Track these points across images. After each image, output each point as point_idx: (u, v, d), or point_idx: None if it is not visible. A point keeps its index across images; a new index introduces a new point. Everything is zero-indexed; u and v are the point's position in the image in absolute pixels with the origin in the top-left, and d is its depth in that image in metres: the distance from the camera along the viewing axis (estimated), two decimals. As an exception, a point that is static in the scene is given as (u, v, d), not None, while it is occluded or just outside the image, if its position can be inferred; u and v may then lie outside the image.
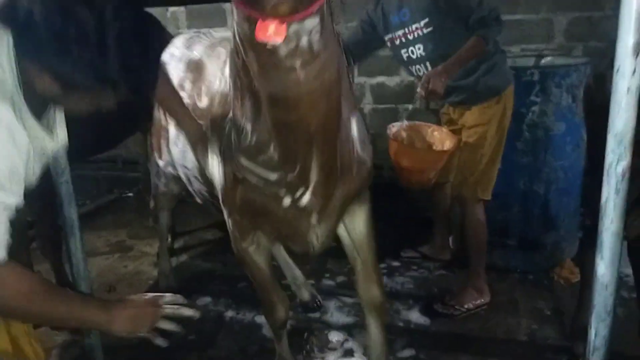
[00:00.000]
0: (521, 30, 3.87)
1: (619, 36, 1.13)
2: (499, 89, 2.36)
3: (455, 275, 2.87)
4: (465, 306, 2.50)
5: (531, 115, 2.65)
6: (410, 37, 2.32)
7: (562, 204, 2.78)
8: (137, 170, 4.13)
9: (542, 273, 2.81)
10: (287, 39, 1.15)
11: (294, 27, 1.16)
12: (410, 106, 4.09)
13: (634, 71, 1.11)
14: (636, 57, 1.11)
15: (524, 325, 2.39)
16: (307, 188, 1.48)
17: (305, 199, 1.50)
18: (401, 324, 2.47)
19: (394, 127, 2.35)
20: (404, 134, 2.37)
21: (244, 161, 1.51)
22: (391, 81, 4.21)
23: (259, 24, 1.12)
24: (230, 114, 1.54)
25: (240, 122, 1.48)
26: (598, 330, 1.27)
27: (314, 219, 1.57)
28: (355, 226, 1.79)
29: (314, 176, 1.45)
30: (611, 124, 1.17)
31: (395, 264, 3.00)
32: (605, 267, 1.25)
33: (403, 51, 2.39)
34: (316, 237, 1.63)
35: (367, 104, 4.28)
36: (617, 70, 1.13)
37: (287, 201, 1.52)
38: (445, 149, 2.32)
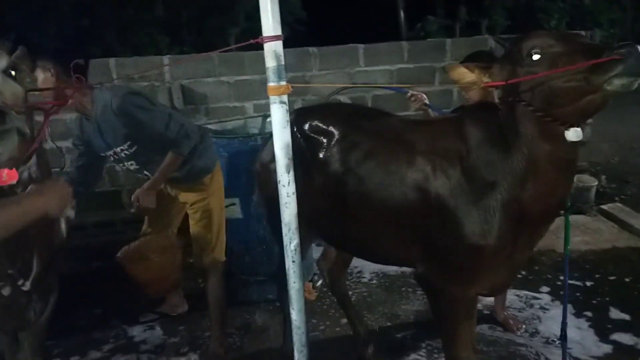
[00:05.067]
0: (250, 88, 4.54)
1: (277, 157, 1.63)
2: (209, 168, 2.69)
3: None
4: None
5: (260, 173, 3.18)
6: (120, 156, 2.55)
7: (295, 240, 3.39)
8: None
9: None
10: None
11: (21, 167, 1.58)
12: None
13: (289, 182, 1.63)
14: (289, 173, 1.62)
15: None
16: (28, 277, 1.78)
17: (27, 286, 1.79)
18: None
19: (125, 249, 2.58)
20: (132, 249, 2.59)
21: None
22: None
23: None
24: None
25: None
26: (299, 358, 1.78)
27: (34, 298, 1.86)
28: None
29: (35, 267, 1.79)
30: (282, 216, 1.67)
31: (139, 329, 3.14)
32: (296, 314, 1.75)
33: (120, 165, 2.63)
34: (34, 312, 1.89)
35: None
36: (280, 181, 1.63)
37: (6, 291, 1.75)
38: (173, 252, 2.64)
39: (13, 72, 1.54)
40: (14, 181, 1.50)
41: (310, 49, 4.71)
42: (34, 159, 1.69)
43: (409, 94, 2.89)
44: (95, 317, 3.24)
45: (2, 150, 1.44)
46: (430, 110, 2.84)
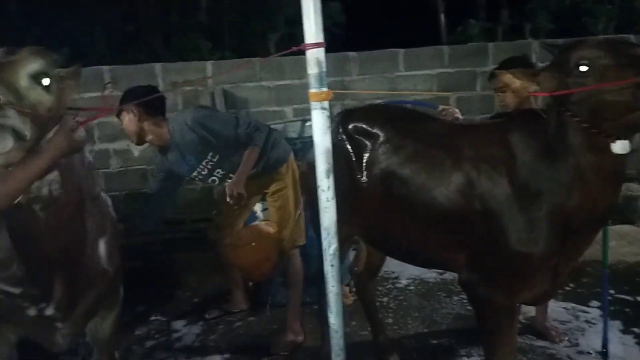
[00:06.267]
0: (290, 93, 4.60)
1: (317, 161, 1.65)
2: (284, 158, 2.91)
3: (261, 318, 3.26)
4: (290, 350, 2.85)
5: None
6: (207, 170, 2.81)
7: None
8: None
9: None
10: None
11: (36, 183, 1.38)
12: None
13: (328, 187, 1.64)
14: (328, 178, 1.64)
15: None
16: (50, 302, 1.63)
17: (49, 310, 1.64)
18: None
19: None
20: (235, 237, 2.82)
21: None
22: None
23: None
24: None
25: None
26: (337, 362, 1.79)
27: (58, 325, 1.71)
28: (102, 328, 2.00)
29: (57, 292, 1.62)
30: (321, 220, 1.69)
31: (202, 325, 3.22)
32: (334, 318, 1.76)
33: (209, 180, 2.87)
34: (62, 337, 1.77)
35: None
36: (319, 186, 1.65)
37: (32, 312, 1.65)
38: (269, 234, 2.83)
39: (47, 81, 1.35)
40: (23, 200, 1.36)
41: (350, 53, 4.73)
42: (55, 173, 1.44)
43: (440, 108, 2.85)
44: (139, 314, 3.33)
45: None
46: None
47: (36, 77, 1.32)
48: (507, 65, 2.41)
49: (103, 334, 2.01)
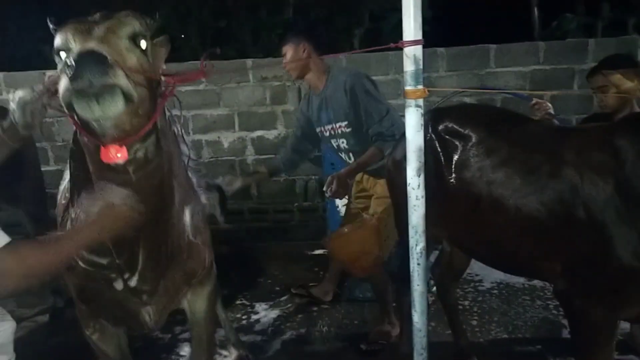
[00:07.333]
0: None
1: (408, 159, 1.66)
2: None
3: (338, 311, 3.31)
4: (386, 340, 2.86)
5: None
6: (335, 132, 2.73)
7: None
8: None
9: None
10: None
11: (135, 146, 1.32)
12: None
13: (419, 185, 1.64)
14: (419, 176, 1.64)
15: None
16: (134, 271, 1.57)
17: (134, 281, 1.58)
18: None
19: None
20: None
21: None
22: (270, 134, 4.68)
23: (102, 149, 1.29)
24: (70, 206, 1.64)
25: (76, 212, 1.57)
26: (418, 360, 1.79)
27: (144, 299, 1.66)
28: (196, 305, 1.95)
29: (141, 260, 1.55)
30: (409, 218, 1.69)
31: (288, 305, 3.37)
32: (418, 316, 1.76)
33: (333, 141, 2.78)
34: (149, 316, 1.72)
35: (250, 156, 4.71)
36: (409, 184, 1.66)
37: (119, 285, 1.60)
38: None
39: (144, 44, 1.32)
40: (122, 161, 1.30)
41: (438, 49, 4.62)
42: (152, 138, 1.38)
43: (533, 102, 2.71)
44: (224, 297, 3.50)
45: (100, 112, 1.15)
46: (555, 121, 2.65)
47: (134, 39, 1.29)
48: (610, 63, 2.26)
49: (198, 313, 1.96)
